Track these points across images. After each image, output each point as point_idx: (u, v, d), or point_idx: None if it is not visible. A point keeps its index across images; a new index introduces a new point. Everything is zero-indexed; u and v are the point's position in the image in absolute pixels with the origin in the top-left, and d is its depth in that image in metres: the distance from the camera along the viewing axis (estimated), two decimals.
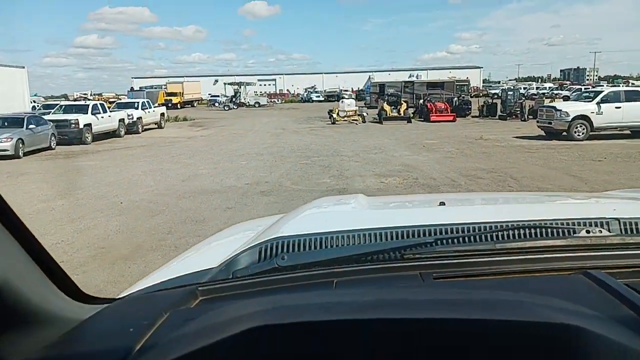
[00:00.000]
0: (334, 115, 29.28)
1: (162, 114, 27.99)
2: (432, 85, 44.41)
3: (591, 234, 1.27)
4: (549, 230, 1.31)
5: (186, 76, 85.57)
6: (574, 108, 17.77)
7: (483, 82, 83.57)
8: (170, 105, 51.52)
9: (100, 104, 22.05)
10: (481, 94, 55.64)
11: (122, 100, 31.28)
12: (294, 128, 26.47)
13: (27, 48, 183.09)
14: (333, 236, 1.36)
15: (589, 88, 51.30)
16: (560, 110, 17.74)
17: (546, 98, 32.41)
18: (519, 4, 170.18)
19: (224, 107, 49.33)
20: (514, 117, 29.61)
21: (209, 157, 15.11)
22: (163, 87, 57.24)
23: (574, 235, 1.28)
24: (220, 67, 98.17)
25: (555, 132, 18.20)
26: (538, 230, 1.32)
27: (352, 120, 29.43)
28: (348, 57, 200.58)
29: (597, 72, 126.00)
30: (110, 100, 65.00)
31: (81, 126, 19.22)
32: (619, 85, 53.06)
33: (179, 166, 13.52)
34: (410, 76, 65.39)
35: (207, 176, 11.65)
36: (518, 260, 1.16)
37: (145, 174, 12.08)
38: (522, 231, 1.32)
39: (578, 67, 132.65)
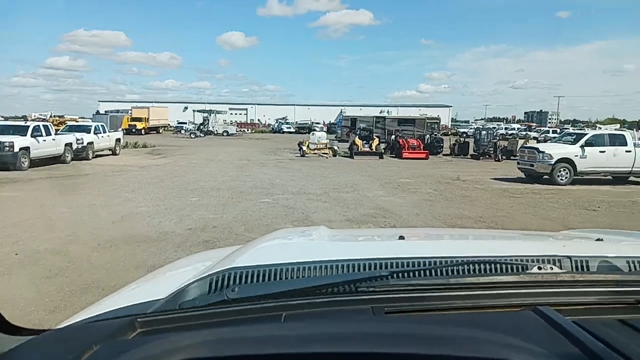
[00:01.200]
0: (304, 148, 27.56)
1: (118, 140, 25.68)
2: (403, 121, 43.41)
3: (542, 271, 1.26)
4: (502, 266, 1.29)
5: (156, 102, 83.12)
6: (557, 150, 16.48)
7: (451, 121, 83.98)
8: (134, 130, 49.11)
9: (43, 125, 19.63)
10: (450, 133, 55.14)
11: (74, 123, 28.74)
12: (260, 160, 24.56)
13: None
14: (287, 268, 1.29)
15: (556, 130, 51.55)
16: (543, 152, 16.42)
17: (519, 139, 31.54)
18: (487, 48, 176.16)
19: (190, 134, 47.08)
20: (487, 156, 28.54)
21: (155, 192, 12.98)
22: (129, 111, 54.73)
23: (526, 271, 1.26)
24: (193, 95, 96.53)
25: (537, 175, 16.85)
26: (491, 265, 1.28)
27: (323, 153, 27.77)
28: (320, 91, 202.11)
29: (558, 115, 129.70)
30: (68, 123, 62.06)
31: (16, 149, 16.76)
32: (583, 129, 53.84)
33: (117, 201, 11.35)
34: (381, 112, 64.78)
35: (145, 216, 9.54)
36: (471, 296, 1.14)
37: (72, 211, 9.87)
38: (476, 266, 1.28)
39: (541, 110, 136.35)
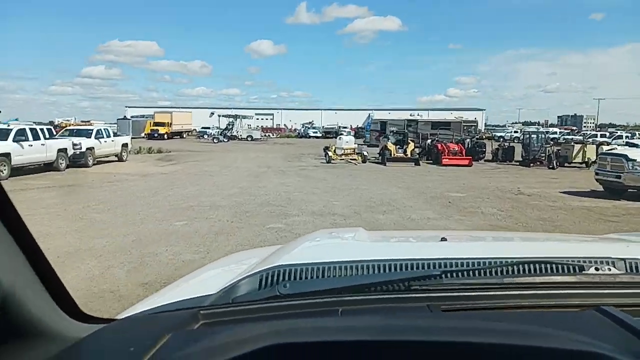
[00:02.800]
0: (330, 153, 24.25)
1: (125, 145, 22.82)
2: (437, 124, 39.62)
3: (600, 272, 1.22)
4: (558, 266, 1.25)
5: (185, 107, 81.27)
6: None
7: (484, 125, 79.30)
8: (156, 135, 46.84)
9: (31, 128, 16.92)
10: (484, 137, 50.76)
11: (74, 127, 26.11)
12: (281, 167, 21.36)
13: (34, 76, 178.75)
14: (336, 266, 1.28)
15: (604, 134, 46.82)
16: (634, 160, 12.64)
17: (575, 143, 27.46)
18: (516, 52, 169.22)
19: (212, 139, 44.34)
20: (537, 163, 24.62)
21: (136, 211, 9.86)
22: (152, 116, 52.55)
23: (583, 272, 1.21)
24: (223, 102, 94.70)
25: (620, 189, 13.09)
26: (547, 265, 1.24)
27: (351, 159, 24.38)
28: (348, 96, 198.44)
29: (597, 119, 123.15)
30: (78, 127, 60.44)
31: None
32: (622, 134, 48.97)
33: (74, 227, 8.26)
34: (411, 115, 60.83)
35: (88, 258, 6.38)
36: (527, 295, 1.10)
37: None
38: (530, 266, 1.24)
39: (575, 114, 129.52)
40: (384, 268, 1.26)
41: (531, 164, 24.37)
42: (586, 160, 24.44)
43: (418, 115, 63.39)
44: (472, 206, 11.38)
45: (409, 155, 24.34)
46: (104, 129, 21.81)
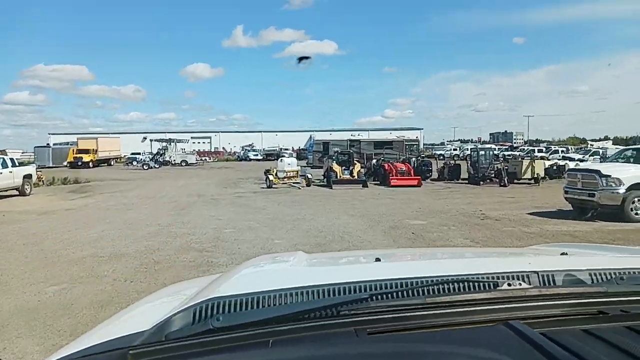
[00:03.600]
0: (271, 177, 21.96)
1: (27, 176, 19.28)
2: (380, 144, 38.52)
3: (512, 287, 1.28)
4: (474, 284, 1.30)
5: (117, 133, 76.12)
6: (627, 174, 11.37)
7: (423, 144, 79.92)
8: (80, 163, 42.63)
9: None
10: (423, 155, 50.28)
11: None
12: (215, 194, 18.78)
13: None
14: (270, 295, 1.25)
15: (542, 149, 47.50)
16: (608, 176, 11.27)
17: (522, 159, 26.76)
18: (447, 74, 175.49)
19: (142, 165, 40.69)
20: (487, 181, 23.56)
21: (1, 269, 7.08)
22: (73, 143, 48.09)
23: (497, 288, 1.28)
24: (158, 126, 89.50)
25: (593, 208, 11.69)
26: (464, 284, 1.29)
27: (294, 183, 22.22)
28: (288, 119, 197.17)
29: (522, 135, 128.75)
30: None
31: None
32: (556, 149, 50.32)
33: None
34: (352, 135, 59.69)
35: None
36: (447, 314, 1.15)
37: None
38: (450, 285, 1.28)
39: (506, 131, 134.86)
40: (317, 294, 1.27)
41: (481, 182, 23.24)
42: (535, 175, 23.66)
43: (358, 135, 62.58)
44: (440, 237, 9.45)
45: (356, 177, 22.50)
46: (1, 159, 18.26)
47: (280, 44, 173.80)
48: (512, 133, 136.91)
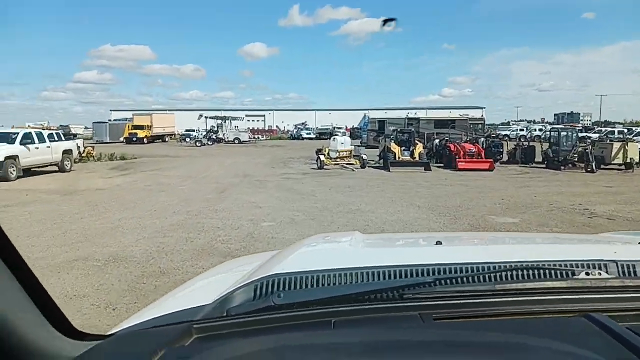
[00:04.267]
0: (323, 157, 19.74)
1: (67, 151, 18.02)
2: (441, 123, 35.12)
3: (590, 276, 1.18)
4: (548, 271, 1.21)
5: (176, 110, 76.40)
6: None
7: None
8: (135, 139, 42.12)
9: None
10: (493, 135, 45.98)
11: None
12: (261, 175, 16.80)
13: (25, 82, 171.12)
14: (330, 274, 1.23)
15: (623, 130, 42.33)
16: None
17: (613, 141, 22.96)
18: (509, 51, 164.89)
19: (195, 142, 39.59)
20: (569, 165, 20.19)
21: None
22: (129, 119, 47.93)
23: (573, 277, 1.18)
24: (217, 105, 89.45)
25: None
26: (537, 271, 1.21)
27: (347, 164, 19.87)
28: (343, 98, 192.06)
29: (590, 117, 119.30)
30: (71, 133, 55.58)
31: None
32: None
33: None
34: (408, 114, 56.20)
35: None
36: (518, 302, 1.08)
37: None
38: (521, 272, 1.21)
39: (572, 112, 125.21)
40: (378, 275, 1.23)
41: (562, 167, 19.92)
42: (628, 160, 20.00)
43: (415, 113, 58.91)
44: None
45: (417, 159, 19.80)
46: (37, 133, 17.03)
47: (336, 22, 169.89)
48: (578, 114, 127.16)
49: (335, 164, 19.79)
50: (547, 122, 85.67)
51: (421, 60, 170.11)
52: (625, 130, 41.30)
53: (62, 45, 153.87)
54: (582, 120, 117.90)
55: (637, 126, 58.11)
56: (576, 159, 20.36)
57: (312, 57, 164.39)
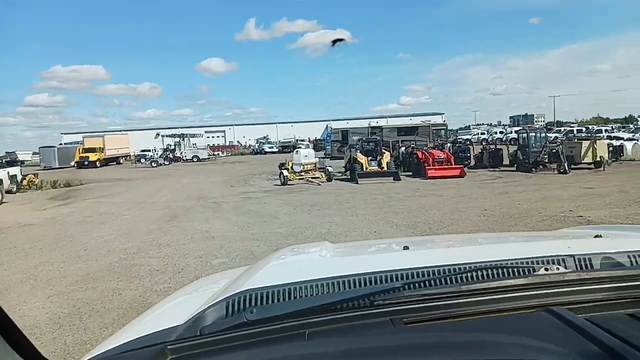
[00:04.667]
0: (285, 172, 18.29)
1: None
2: (404, 130, 34.36)
3: (549, 272, 1.22)
4: (510, 270, 1.25)
5: (132, 130, 73.22)
6: None
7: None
8: (87, 163, 39.47)
9: None
10: (459, 140, 45.57)
11: None
12: (219, 196, 15.18)
13: None
14: (302, 286, 1.23)
15: (581, 130, 42.81)
16: None
17: (581, 140, 22.49)
18: (462, 58, 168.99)
19: (151, 163, 37.25)
20: (540, 167, 19.52)
21: None
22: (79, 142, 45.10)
23: (534, 273, 1.22)
24: (176, 123, 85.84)
25: None
26: (500, 270, 1.25)
27: (312, 178, 18.49)
28: (303, 110, 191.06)
29: (543, 118, 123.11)
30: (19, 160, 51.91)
31: None
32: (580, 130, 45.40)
33: None
34: (369, 124, 55.41)
35: None
36: (483, 301, 1.11)
37: None
38: (485, 272, 1.25)
39: (526, 114, 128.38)
40: (348, 284, 1.24)
41: (534, 169, 19.22)
42: (598, 159, 19.50)
43: (376, 122, 58.25)
44: None
45: (385, 168, 18.65)
46: None
47: (293, 35, 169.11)
48: (532, 115, 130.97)
49: (300, 179, 18.39)
50: (506, 125, 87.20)
51: (379, 70, 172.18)
52: (584, 129, 41.83)
53: (9, 68, 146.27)
54: (536, 121, 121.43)
55: (588, 125, 59.55)
56: (546, 160, 19.75)
57: (271, 70, 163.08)
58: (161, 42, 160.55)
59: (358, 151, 19.62)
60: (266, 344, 0.95)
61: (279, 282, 1.25)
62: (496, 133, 49.27)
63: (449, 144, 23.98)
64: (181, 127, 71.46)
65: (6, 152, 55.05)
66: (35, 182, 22.60)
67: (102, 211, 12.81)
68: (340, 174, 20.53)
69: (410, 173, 19.99)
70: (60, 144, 58.22)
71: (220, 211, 11.84)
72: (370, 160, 18.98)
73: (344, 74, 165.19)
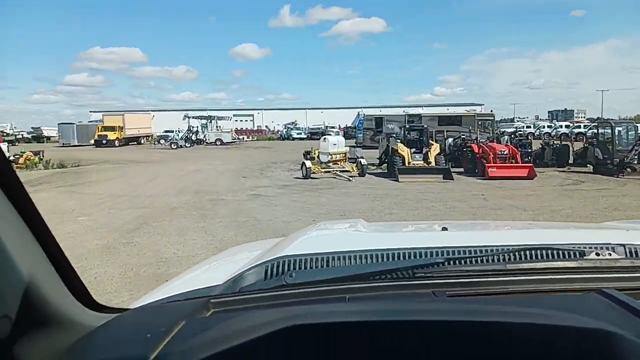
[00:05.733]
0: (308, 164, 14.53)
1: None
2: (446, 119, 30.05)
3: (601, 257, 1.15)
4: (559, 252, 1.19)
5: (162, 110, 70.90)
6: None
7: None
8: (105, 142, 36.66)
9: None
10: (520, 132, 40.56)
11: None
12: (221, 191, 11.57)
13: (15, 85, 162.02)
14: (340, 256, 1.22)
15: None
16: None
17: None
18: (498, 50, 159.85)
19: (170, 144, 34.12)
20: (628, 170, 15.14)
21: None
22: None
23: (584, 257, 1.16)
24: (209, 106, 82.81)
25: None
26: (548, 252, 1.19)
27: (340, 172, 14.68)
28: (335, 98, 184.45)
29: (584, 113, 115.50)
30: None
31: None
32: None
33: None
34: (404, 112, 50.83)
35: None
36: (530, 281, 1.06)
37: None
38: (531, 252, 1.20)
39: (566, 109, 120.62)
40: (388, 257, 1.21)
41: (621, 173, 14.87)
42: None
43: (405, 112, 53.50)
44: None
45: (433, 164, 14.64)
46: None
47: (327, 22, 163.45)
48: (572, 111, 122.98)
49: (326, 172, 14.63)
50: (541, 119, 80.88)
51: (413, 60, 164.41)
52: None
53: (51, 48, 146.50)
54: (576, 116, 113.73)
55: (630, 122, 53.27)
56: (636, 162, 15.34)
57: (304, 57, 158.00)
58: (196, 26, 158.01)
59: (398, 141, 15.63)
60: (306, 304, 0.93)
61: (317, 251, 1.24)
62: (544, 127, 44.07)
63: (506, 137, 19.66)
64: (214, 110, 68.43)
65: (32, 128, 53.26)
66: (34, 161, 19.72)
67: (59, 208, 9.36)
68: (374, 167, 16.69)
69: (462, 170, 15.93)
70: (80, 121, 55.95)
71: (209, 218, 8.20)
72: (414, 152, 14.97)
73: (377, 63, 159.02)
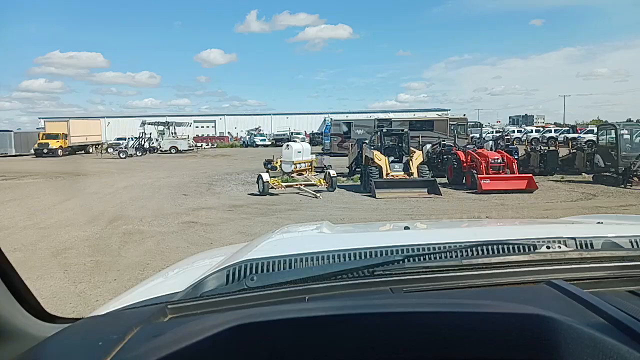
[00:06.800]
0: (265, 177, 11.70)
1: None
2: (419, 124, 27.87)
3: (551, 250, 1.18)
4: (512, 246, 1.22)
5: (123, 117, 66.29)
6: None
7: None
8: (46, 151, 32.58)
9: None
10: (507, 137, 39.00)
11: None
12: (150, 216, 8.62)
13: None
14: (302, 258, 1.19)
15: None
16: None
17: None
18: (461, 57, 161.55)
19: (119, 153, 30.46)
20: (635, 179, 13.06)
21: None
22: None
23: (536, 251, 1.18)
24: (173, 112, 77.63)
25: None
26: (502, 246, 1.21)
27: (305, 186, 11.94)
28: (301, 104, 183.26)
29: (543, 119, 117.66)
30: None
31: None
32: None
33: None
34: (370, 117, 48.61)
35: None
36: (484, 275, 1.07)
37: None
38: (485, 248, 1.20)
39: (526, 114, 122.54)
40: (349, 257, 1.20)
41: (627, 183, 12.77)
42: None
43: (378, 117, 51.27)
44: None
45: (415, 175, 12.07)
46: None
47: (294, 28, 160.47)
48: (532, 116, 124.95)
49: (288, 186, 11.85)
50: (503, 125, 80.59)
51: (378, 67, 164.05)
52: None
53: (5, 52, 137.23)
54: (536, 121, 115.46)
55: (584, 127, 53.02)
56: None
57: (270, 63, 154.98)
58: (161, 31, 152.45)
59: (373, 148, 13.00)
60: (266, 305, 0.92)
61: (279, 254, 1.21)
62: (513, 132, 42.77)
63: (490, 142, 17.41)
64: (170, 116, 64.32)
65: None
66: None
67: None
68: (344, 178, 14.11)
69: (445, 182, 13.49)
70: (19, 128, 50.84)
71: (103, 271, 5.27)
72: (393, 162, 12.39)
73: (343, 70, 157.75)
